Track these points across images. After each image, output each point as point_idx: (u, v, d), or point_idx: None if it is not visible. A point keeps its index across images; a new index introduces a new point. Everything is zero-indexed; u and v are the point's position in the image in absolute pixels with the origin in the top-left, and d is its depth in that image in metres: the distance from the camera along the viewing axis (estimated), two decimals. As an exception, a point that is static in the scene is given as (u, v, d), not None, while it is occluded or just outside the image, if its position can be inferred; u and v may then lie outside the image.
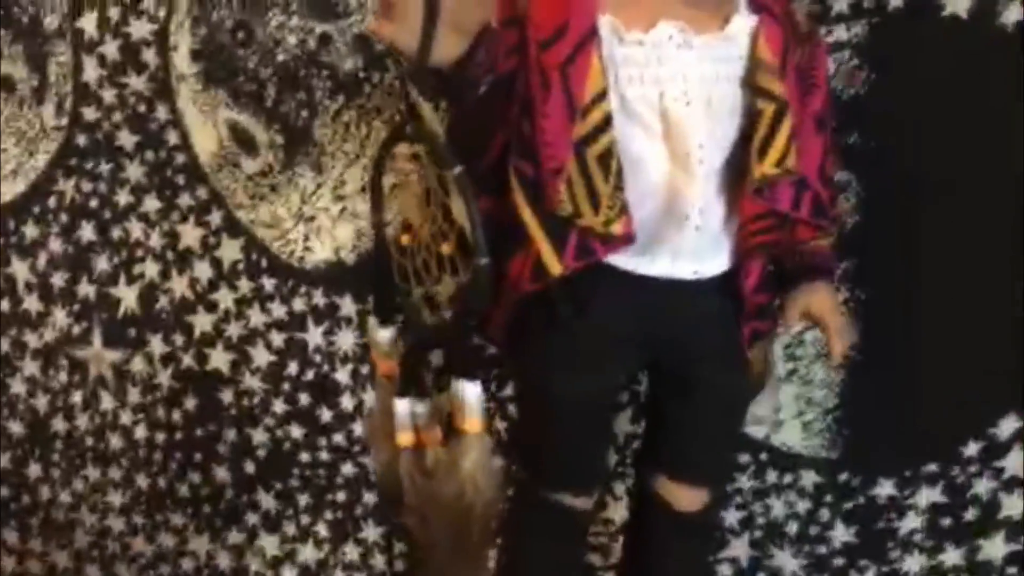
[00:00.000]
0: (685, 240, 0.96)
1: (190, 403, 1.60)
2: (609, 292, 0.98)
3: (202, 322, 1.54)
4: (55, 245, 1.62)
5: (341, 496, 1.54)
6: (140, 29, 1.43)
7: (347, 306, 1.44)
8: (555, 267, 0.95)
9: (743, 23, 0.96)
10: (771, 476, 1.31)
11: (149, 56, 1.44)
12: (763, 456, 1.30)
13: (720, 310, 1.01)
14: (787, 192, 0.98)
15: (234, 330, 1.52)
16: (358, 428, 1.50)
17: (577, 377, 1.00)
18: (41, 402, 1.72)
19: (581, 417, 1.03)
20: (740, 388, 1.05)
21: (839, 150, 1.13)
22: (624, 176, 0.93)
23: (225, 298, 1.51)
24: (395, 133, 0.72)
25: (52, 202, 1.60)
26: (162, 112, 1.46)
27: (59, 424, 1.71)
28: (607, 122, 0.93)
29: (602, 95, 0.92)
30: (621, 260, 0.97)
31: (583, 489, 1.09)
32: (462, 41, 0.84)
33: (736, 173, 0.97)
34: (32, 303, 1.67)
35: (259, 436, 1.55)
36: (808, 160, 0.98)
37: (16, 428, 1.75)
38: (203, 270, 1.52)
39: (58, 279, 1.63)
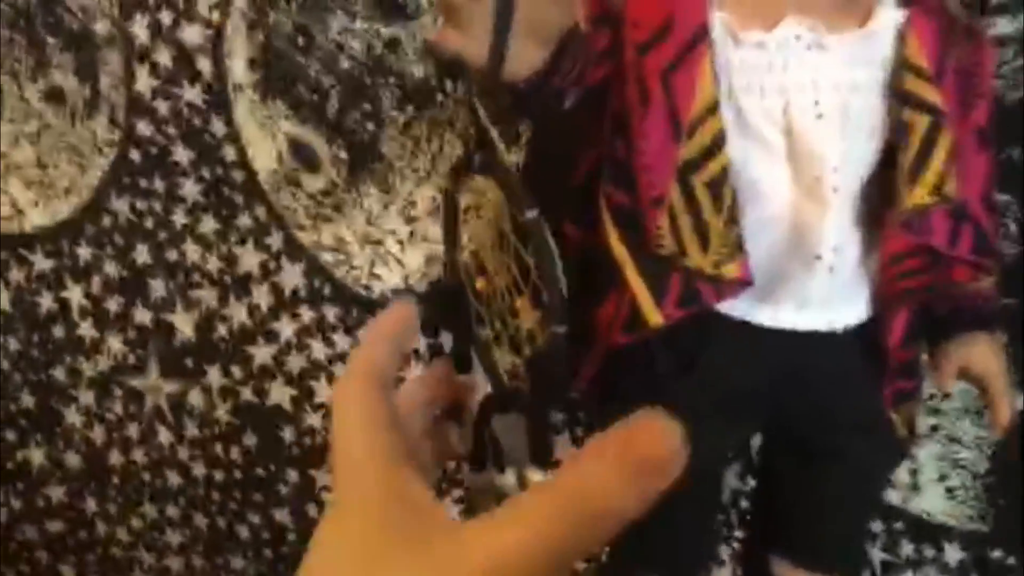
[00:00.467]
0: (815, 284, 0.79)
1: (249, 440, 1.49)
2: (721, 346, 0.82)
3: (262, 353, 1.43)
4: (110, 268, 1.52)
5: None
6: (194, 35, 1.32)
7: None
8: (654, 316, 0.79)
9: (888, 18, 0.79)
10: (906, 549, 1.13)
11: (204, 64, 1.33)
12: (897, 525, 1.12)
13: (857, 367, 0.84)
14: (943, 224, 0.80)
15: (295, 363, 1.41)
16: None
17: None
18: (97, 433, 1.63)
19: (683, 489, 0.88)
20: (881, 459, 0.88)
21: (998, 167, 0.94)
22: (740, 207, 0.77)
23: (286, 328, 1.40)
24: (461, 164, 0.57)
25: (106, 222, 1.50)
26: (218, 125, 1.35)
27: (116, 457, 1.63)
28: (719, 141, 0.77)
29: (713, 108, 0.77)
30: (736, 308, 0.81)
31: (681, 572, 0.93)
32: (540, 50, 0.69)
33: (878, 201, 0.80)
34: (87, 329, 1.58)
35: (322, 478, 1.43)
36: (969, 184, 0.81)
37: (72, 460, 1.67)
38: (263, 296, 1.41)
39: (113, 304, 1.54)
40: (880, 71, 0.79)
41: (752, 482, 1.16)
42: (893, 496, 1.11)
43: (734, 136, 0.78)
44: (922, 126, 0.77)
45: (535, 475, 0.64)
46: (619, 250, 0.81)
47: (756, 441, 1.03)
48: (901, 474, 1.09)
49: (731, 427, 0.87)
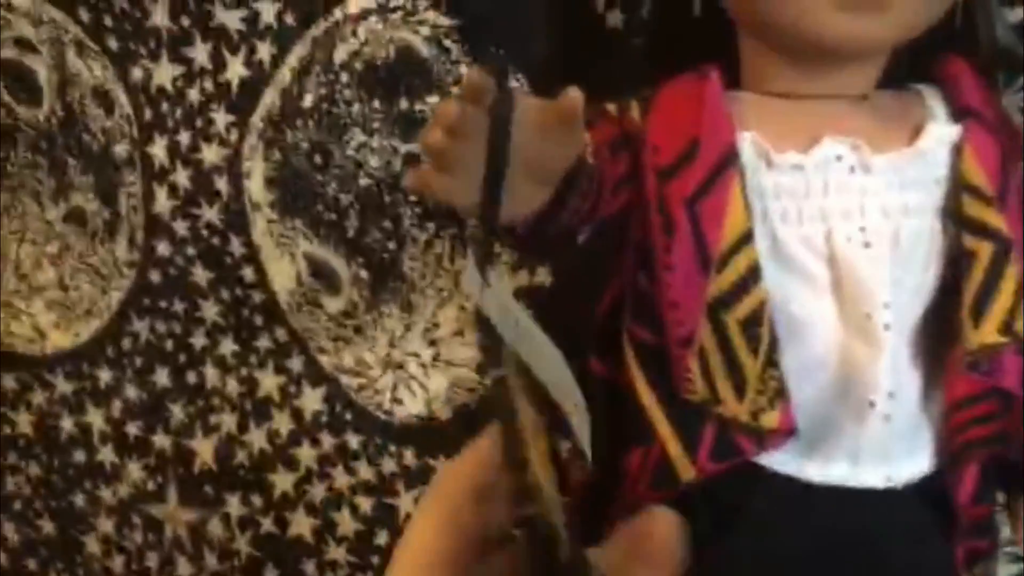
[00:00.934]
0: (869, 434, 0.70)
1: (271, 574, 1.41)
2: (765, 503, 0.72)
3: (282, 482, 1.36)
4: (130, 391, 1.48)
5: None
6: (212, 154, 1.29)
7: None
8: (686, 471, 0.71)
9: (941, 134, 0.72)
10: None
11: (222, 184, 1.29)
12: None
13: (923, 526, 0.74)
14: (1014, 363, 0.71)
15: (317, 492, 1.33)
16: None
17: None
18: (116, 563, 1.56)
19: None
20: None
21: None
22: (780, 347, 0.69)
23: (307, 455, 1.33)
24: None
25: (126, 344, 1.46)
26: (236, 245, 1.31)
27: (135, 589, 1.55)
28: (754, 274, 0.69)
29: (746, 238, 0.69)
30: (780, 461, 0.72)
31: None
32: (542, 190, 0.62)
33: (939, 339, 0.71)
34: (107, 454, 1.52)
35: (346, 618, 1.35)
36: (1043, 318, 0.72)
37: (92, 591, 1.60)
38: (283, 422, 1.34)
39: (133, 428, 1.49)
40: (934, 193, 0.71)
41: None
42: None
43: (771, 268, 0.70)
44: (985, 255, 0.69)
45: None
46: (645, 395, 0.73)
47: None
48: None
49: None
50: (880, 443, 0.70)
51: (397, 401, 1.25)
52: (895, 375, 0.70)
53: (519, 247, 0.65)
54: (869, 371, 0.69)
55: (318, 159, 1.22)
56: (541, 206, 0.61)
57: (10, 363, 1.57)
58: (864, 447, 0.70)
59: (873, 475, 0.71)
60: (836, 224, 0.70)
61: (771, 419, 0.69)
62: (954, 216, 0.70)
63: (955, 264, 0.70)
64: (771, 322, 0.69)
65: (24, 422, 1.59)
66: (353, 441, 1.29)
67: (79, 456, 1.55)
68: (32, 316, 1.54)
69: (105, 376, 1.50)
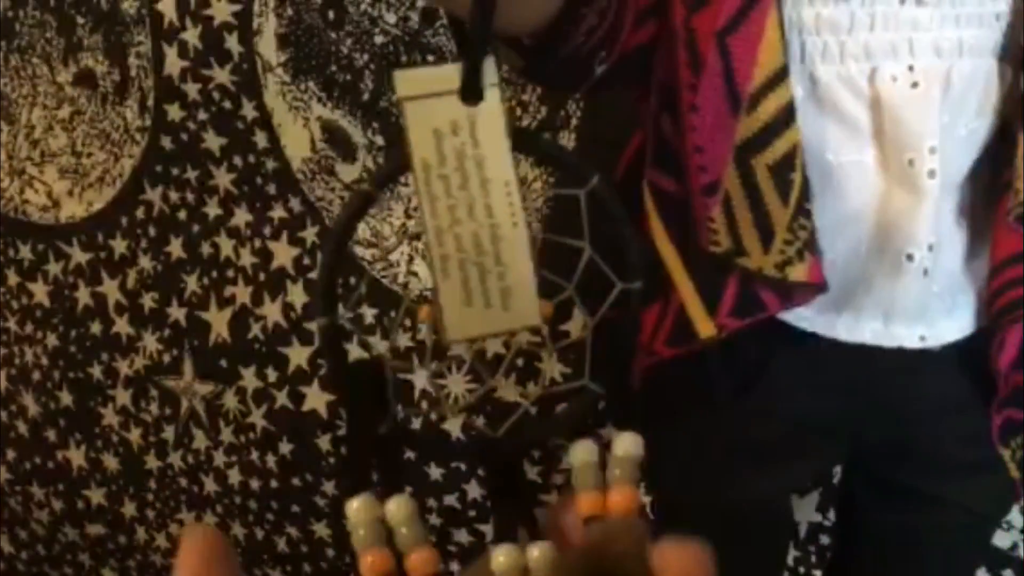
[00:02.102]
0: (906, 291, 0.65)
1: (285, 448, 1.40)
2: (787, 363, 0.68)
3: (297, 355, 1.34)
4: (144, 262, 1.45)
5: (454, 566, 1.30)
6: (222, 11, 1.23)
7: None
8: (705, 326, 0.66)
9: (1004, -38, 0.64)
10: (1016, 600, 0.97)
11: (232, 43, 1.24)
12: (1006, 574, 0.96)
13: (960, 393, 0.69)
14: (1069, 220, 0.65)
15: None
16: (473, 489, 1.25)
17: (738, 482, 0.71)
18: (134, 435, 1.56)
19: (743, 535, 0.74)
20: (988, 503, 0.73)
21: None
22: (812, 196, 0.64)
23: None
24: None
25: (140, 213, 1.43)
26: (249, 109, 1.26)
27: (152, 461, 1.55)
28: (787, 116, 0.63)
29: (780, 76, 0.63)
30: (805, 318, 0.67)
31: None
32: None
33: (987, 192, 0.65)
34: (122, 326, 1.51)
35: (360, 491, 1.33)
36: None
37: (111, 462, 1.61)
38: (298, 294, 1.31)
39: (148, 300, 1.47)
40: (994, 30, 0.64)
41: (833, 516, 1.02)
42: (1002, 540, 0.95)
43: (807, 110, 0.64)
44: (1046, 99, 0.63)
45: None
46: (664, 247, 0.68)
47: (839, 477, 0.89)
48: (1013, 516, 0.93)
49: (799, 460, 0.73)
50: (916, 300, 0.65)
51: (413, 274, 1.21)
52: (937, 227, 0.64)
53: (527, 69, 0.59)
54: (909, 222, 0.63)
55: (331, 15, 1.15)
56: (550, 16, 0.55)
57: (25, 232, 1.55)
58: (899, 303, 0.65)
59: (907, 334, 0.66)
60: (881, 62, 0.64)
61: (799, 271, 0.64)
62: (1015, 57, 0.64)
63: (1012, 111, 0.64)
64: (804, 168, 0.64)
65: (41, 292, 1.57)
66: (368, 314, 1.25)
67: (95, 327, 1.54)
68: (46, 184, 1.51)
69: (120, 246, 1.47)
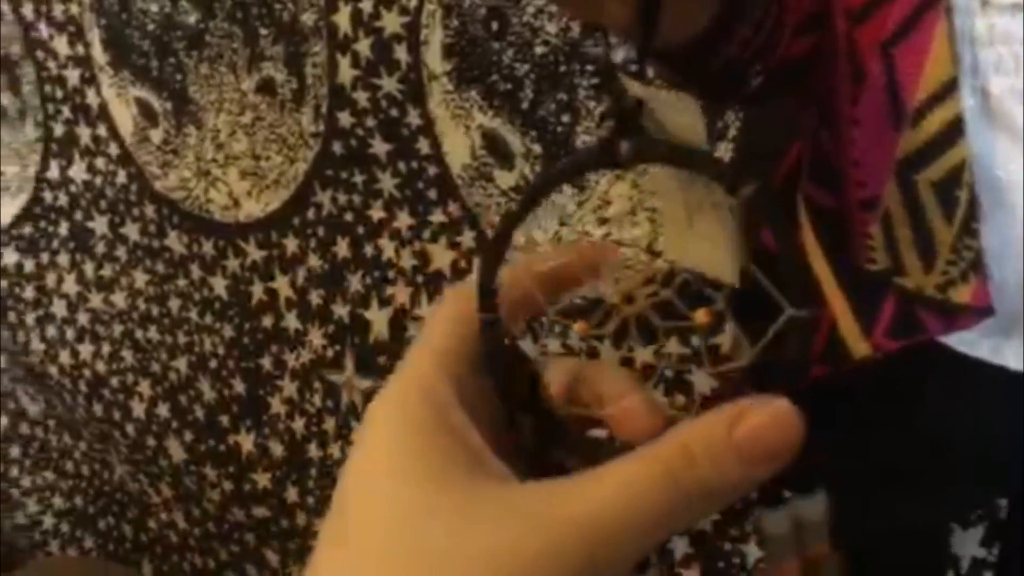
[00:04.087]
0: (1081, 317, 0.61)
1: (437, 445, 1.43)
2: (946, 390, 0.65)
3: (450, 356, 1.36)
4: (312, 260, 1.51)
5: None
6: (392, 22, 1.27)
7: (606, 352, 1.19)
8: (860, 346, 0.64)
9: None
10: None
11: (401, 53, 1.27)
12: None
13: None
14: None
15: (484, 368, 1.33)
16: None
17: (893, 507, 0.68)
18: (298, 424, 1.63)
19: (893, 567, 0.71)
20: None
21: None
22: (979, 214, 0.60)
23: (475, 331, 1.32)
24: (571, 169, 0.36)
25: (310, 214, 1.49)
26: (414, 117, 1.29)
27: (314, 450, 1.62)
28: (956, 130, 0.60)
29: (949, 89, 0.60)
30: (967, 342, 0.64)
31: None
32: (703, 9, 0.55)
33: None
34: (291, 321, 1.58)
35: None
36: None
37: (276, 449, 1.68)
38: (453, 297, 1.34)
39: (315, 296, 1.53)
40: None
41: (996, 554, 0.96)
42: None
43: (977, 125, 0.61)
44: None
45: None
46: (818, 263, 0.66)
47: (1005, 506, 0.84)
48: None
49: (957, 489, 0.69)
50: (1093, 328, 0.61)
51: (565, 279, 1.21)
52: (1118, 251, 0.59)
53: (680, 82, 0.58)
54: (1087, 245, 0.59)
55: (495, 25, 1.17)
56: (702, 28, 0.54)
57: (208, 229, 1.64)
58: (1073, 332, 0.61)
59: (1082, 364, 0.62)
60: (1058, 75, 0.60)
61: (963, 294, 0.60)
62: None
63: None
64: (972, 185, 0.60)
65: (220, 286, 1.66)
66: (520, 318, 1.27)
67: (267, 321, 1.61)
68: (228, 184, 1.59)
69: (291, 245, 1.54)
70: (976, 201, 0.60)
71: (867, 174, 0.62)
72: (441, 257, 1.34)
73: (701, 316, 0.32)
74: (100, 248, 1.80)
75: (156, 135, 1.64)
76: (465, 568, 0.26)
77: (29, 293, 1.92)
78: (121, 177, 1.72)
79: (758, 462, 0.27)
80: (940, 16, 0.60)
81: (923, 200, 0.61)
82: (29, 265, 1.90)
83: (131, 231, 1.74)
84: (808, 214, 0.66)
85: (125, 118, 1.68)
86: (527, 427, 0.33)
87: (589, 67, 1.11)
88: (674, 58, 0.56)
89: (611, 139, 0.33)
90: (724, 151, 1.04)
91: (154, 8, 1.56)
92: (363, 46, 1.31)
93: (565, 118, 1.15)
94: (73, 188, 1.79)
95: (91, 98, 1.71)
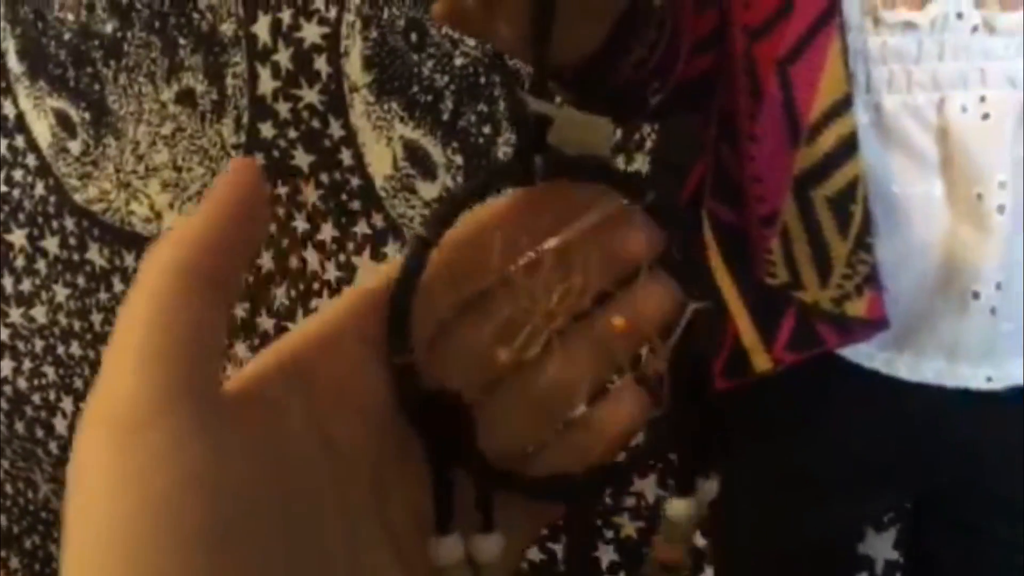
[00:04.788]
0: (972, 329, 0.62)
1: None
2: (846, 401, 0.66)
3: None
4: (237, 273, 1.49)
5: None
6: (312, 33, 1.26)
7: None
8: (761, 360, 0.64)
9: (1083, -12, 0.61)
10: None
11: (321, 64, 1.26)
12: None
13: (1026, 435, 0.66)
14: None
15: (409, 380, 1.32)
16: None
17: (796, 519, 0.69)
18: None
19: (804, 573, 0.72)
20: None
21: None
22: (873, 229, 0.62)
23: (400, 343, 1.31)
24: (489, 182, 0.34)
25: (234, 226, 1.47)
26: (336, 128, 1.28)
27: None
28: (848, 147, 0.61)
29: (843, 105, 0.61)
30: (865, 355, 0.65)
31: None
32: (595, 28, 0.55)
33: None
34: (215, 334, 1.55)
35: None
36: None
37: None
38: (378, 309, 1.33)
39: (239, 310, 1.51)
40: (1070, 59, 0.61)
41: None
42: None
43: (870, 141, 0.62)
44: (1124, 130, 0.59)
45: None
46: (722, 277, 0.66)
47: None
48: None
49: (859, 498, 0.70)
50: (983, 339, 0.62)
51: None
52: (1005, 264, 0.61)
53: (576, 101, 0.58)
54: (975, 258, 0.61)
55: (414, 37, 1.17)
56: (595, 49, 0.54)
57: (130, 242, 1.61)
58: (964, 342, 0.62)
59: (973, 374, 0.63)
60: (951, 93, 0.61)
61: (858, 307, 0.61)
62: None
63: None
64: (865, 200, 0.61)
65: (142, 300, 1.63)
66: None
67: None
68: (149, 196, 1.57)
69: (214, 258, 1.51)
70: (870, 216, 0.62)
71: (766, 190, 0.63)
72: (367, 269, 1.33)
73: (618, 322, 0.32)
74: (19, 262, 1.75)
75: (75, 146, 1.61)
76: None
77: (-55, 308, 1.87)
78: (39, 189, 1.68)
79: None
80: (834, 34, 0.61)
81: (819, 215, 0.62)
82: (-55, 280, 1.85)
83: (51, 244, 1.70)
84: (712, 230, 0.67)
85: (43, 129, 1.64)
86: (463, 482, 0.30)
87: (506, 78, 1.11)
88: (569, 78, 0.56)
89: (524, 154, 0.32)
90: (642, 163, 1.05)
91: (70, 17, 1.53)
92: (283, 56, 1.30)
93: (486, 129, 1.15)
94: (-11, 200, 1.74)
95: (7, 108, 1.67)
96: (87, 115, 1.57)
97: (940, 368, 0.63)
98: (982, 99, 0.61)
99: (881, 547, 1.01)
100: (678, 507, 0.31)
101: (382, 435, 0.27)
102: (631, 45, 0.55)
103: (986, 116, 0.61)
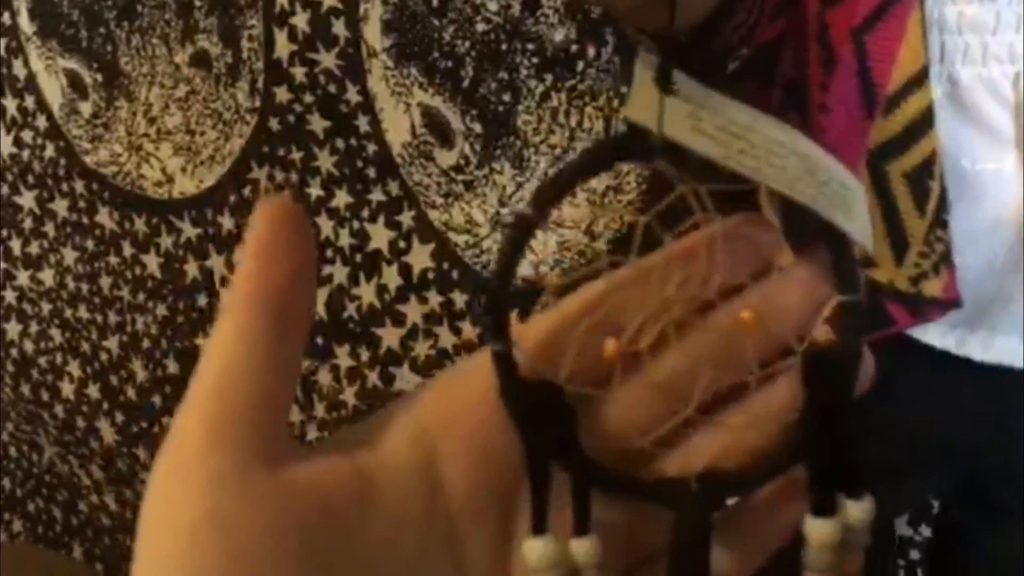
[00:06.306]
0: (1046, 310, 0.57)
1: (376, 424, 1.36)
2: (914, 380, 0.61)
3: (389, 337, 1.29)
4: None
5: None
6: (330, -4, 1.18)
7: (549, 333, 1.14)
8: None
9: None
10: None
11: (339, 28, 1.19)
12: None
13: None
14: None
15: (421, 349, 1.26)
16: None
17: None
18: (233, 403, 1.54)
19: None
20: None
21: None
22: (949, 206, 0.56)
23: (414, 311, 1.26)
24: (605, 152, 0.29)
25: (247, 191, 1.40)
26: (352, 93, 1.21)
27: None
28: (927, 120, 0.55)
29: (921, 77, 0.56)
30: (937, 334, 0.60)
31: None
32: None
33: None
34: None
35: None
36: None
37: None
38: (391, 277, 1.27)
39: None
40: None
41: (926, 531, 0.94)
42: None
43: (946, 115, 0.56)
44: None
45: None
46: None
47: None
48: None
49: (918, 479, 0.65)
50: (1059, 321, 0.57)
51: (506, 261, 1.15)
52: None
53: (676, 65, 0.53)
54: (1056, 237, 0.55)
55: (435, 2, 1.10)
56: (708, 12, 0.48)
57: (140, 205, 1.54)
58: (1041, 325, 0.57)
59: (1046, 356, 0.58)
60: (1028, 65, 0.56)
61: (933, 287, 0.56)
62: None
63: None
64: (942, 176, 0.56)
65: (153, 264, 1.56)
66: (459, 300, 1.21)
67: (202, 300, 1.52)
68: (161, 160, 1.49)
69: (227, 223, 1.44)
70: (946, 192, 0.56)
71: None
72: (379, 237, 1.27)
73: (746, 315, 0.27)
74: (27, 224, 1.67)
75: (86, 108, 1.53)
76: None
77: (-48, 269, 1.79)
78: (49, 151, 1.60)
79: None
80: (914, 3, 0.55)
81: (895, 191, 0.56)
82: (-48, 240, 1.77)
83: (59, 207, 1.62)
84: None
85: (54, 90, 1.56)
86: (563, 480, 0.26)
87: (530, 45, 1.05)
88: (678, 40, 0.50)
89: (639, 132, 0.27)
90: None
91: (82, -23, 1.44)
92: (300, 20, 1.22)
93: (506, 97, 1.08)
94: (-2, 162, 1.66)
95: (18, 69, 1.58)
96: (99, 76, 1.49)
97: (1013, 348, 0.58)
98: (1062, 73, 0.55)
99: (896, 524, 0.97)
100: (819, 529, 0.26)
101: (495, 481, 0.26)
102: (735, 7, 0.49)
103: (1067, 90, 0.55)
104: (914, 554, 0.96)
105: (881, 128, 0.56)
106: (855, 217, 0.28)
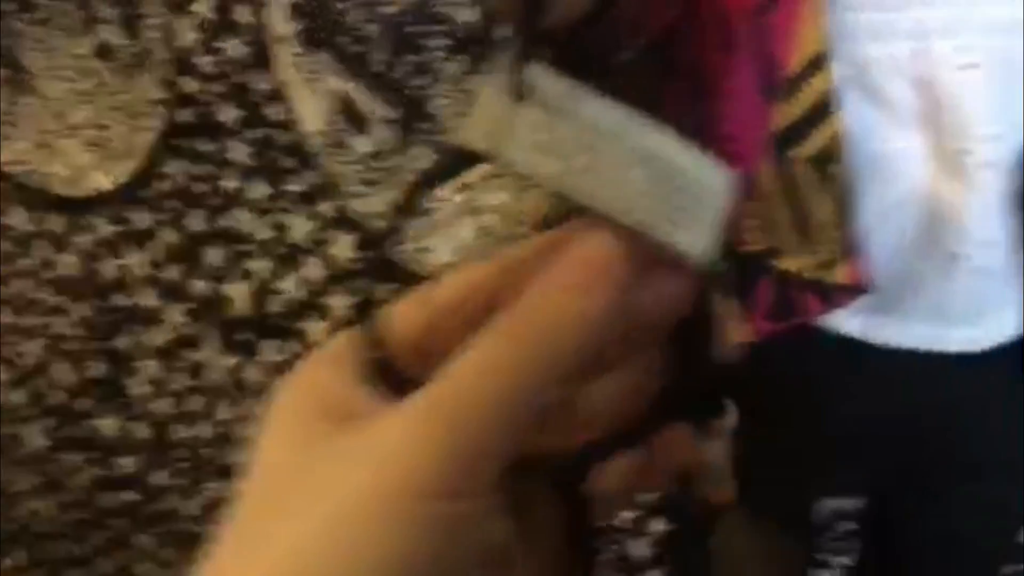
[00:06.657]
0: (955, 290, 0.57)
1: (308, 419, 1.33)
2: (828, 369, 0.60)
3: (315, 330, 1.26)
4: (167, 235, 1.37)
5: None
6: (231, -19, 1.13)
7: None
8: (739, 331, 0.58)
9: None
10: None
11: (244, 14, 1.14)
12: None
13: (1008, 395, 0.61)
14: None
15: (350, 340, 1.23)
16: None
17: (775, 490, 0.63)
18: (162, 406, 1.50)
19: (767, 538, 0.67)
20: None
21: None
22: (855, 190, 0.55)
23: (340, 303, 1.22)
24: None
25: (162, 186, 1.35)
26: (262, 82, 1.17)
27: (181, 431, 1.49)
28: (828, 103, 0.54)
29: (820, 60, 0.54)
30: (848, 322, 0.59)
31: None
32: None
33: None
34: (148, 299, 1.44)
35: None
36: None
37: (141, 431, 1.55)
38: (315, 269, 1.23)
39: (172, 273, 1.39)
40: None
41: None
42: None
43: (850, 96, 0.55)
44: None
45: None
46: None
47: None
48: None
49: (848, 467, 0.65)
50: (967, 299, 0.57)
51: (425, 250, 1.13)
52: (989, 222, 0.55)
53: (559, 58, 0.51)
54: (959, 216, 0.55)
55: (342, -16, 1.06)
56: (588, 5, 0.46)
57: (53, 204, 1.47)
58: (948, 304, 0.57)
59: (955, 336, 0.58)
60: (932, 43, 0.54)
61: (841, 273, 0.55)
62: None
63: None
64: (847, 160, 0.55)
65: (69, 264, 1.50)
66: (382, 291, 1.18)
67: (121, 299, 1.47)
68: (71, 156, 1.43)
69: (143, 219, 1.39)
70: (851, 177, 0.55)
71: (741, 150, 0.55)
72: (300, 227, 1.23)
73: None
74: (-65, 228, 1.60)
75: (-12, 106, 1.46)
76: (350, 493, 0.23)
77: None
78: (-47, 151, 1.52)
79: (586, 289, 0.25)
80: (811, -20, 0.54)
81: (799, 178, 0.55)
82: None
83: (-32, 209, 1.55)
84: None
85: (-47, 88, 1.48)
86: None
87: (437, 27, 1.01)
88: (557, 37, 0.47)
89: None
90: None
91: (-28, -31, 1.36)
92: (203, 6, 1.17)
93: (419, 81, 1.05)
94: (-102, 165, 1.58)
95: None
96: (2, 72, 1.42)
97: (923, 332, 0.58)
98: (963, 49, 0.54)
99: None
100: (714, 449, 0.29)
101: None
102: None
103: (971, 66, 0.54)
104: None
105: (783, 112, 0.54)
106: (710, 222, 0.27)
